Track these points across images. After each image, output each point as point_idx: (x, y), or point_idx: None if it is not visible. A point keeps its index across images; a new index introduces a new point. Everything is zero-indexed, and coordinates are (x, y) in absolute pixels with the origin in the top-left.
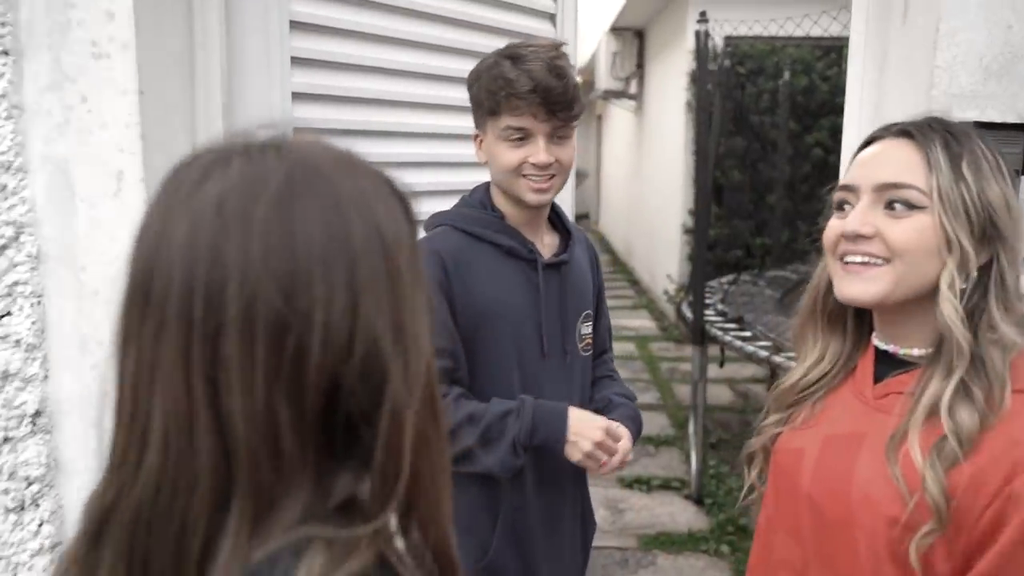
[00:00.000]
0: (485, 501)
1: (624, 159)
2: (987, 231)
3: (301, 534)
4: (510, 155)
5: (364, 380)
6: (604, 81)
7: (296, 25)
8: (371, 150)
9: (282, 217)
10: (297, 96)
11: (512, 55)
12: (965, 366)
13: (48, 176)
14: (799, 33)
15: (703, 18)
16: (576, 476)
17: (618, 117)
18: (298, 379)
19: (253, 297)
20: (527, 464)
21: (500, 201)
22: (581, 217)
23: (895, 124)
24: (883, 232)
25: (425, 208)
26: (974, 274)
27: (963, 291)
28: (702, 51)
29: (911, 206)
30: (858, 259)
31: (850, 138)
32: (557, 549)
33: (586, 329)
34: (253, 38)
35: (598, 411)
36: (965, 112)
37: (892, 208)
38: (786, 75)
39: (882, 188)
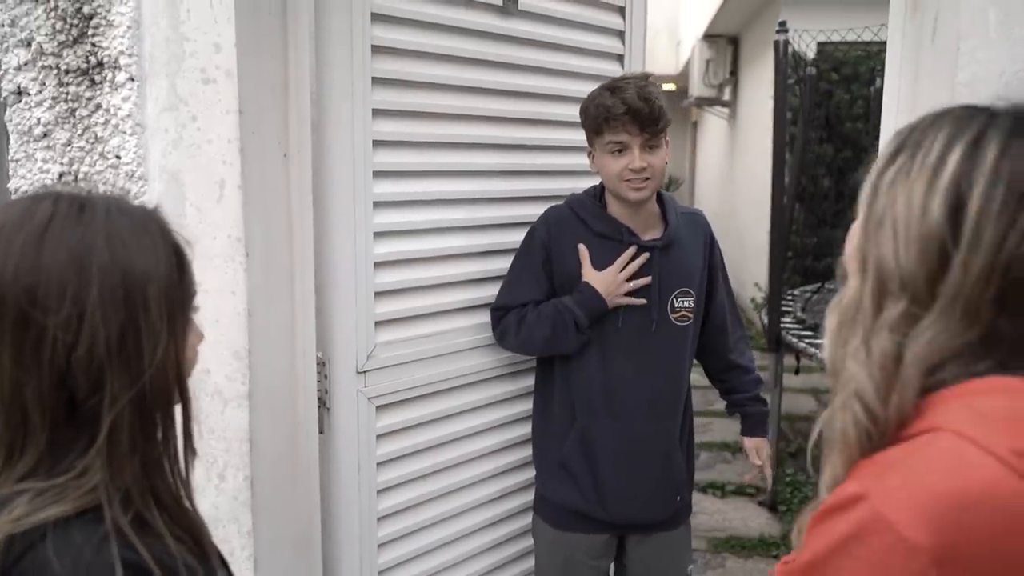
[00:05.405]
0: (562, 420)
1: (717, 166)
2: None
3: (15, 488)
4: (614, 164)
5: (86, 373)
6: (697, 88)
7: (377, 49)
8: (442, 160)
9: (33, 246)
10: (377, 112)
11: (611, 87)
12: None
13: (164, 184)
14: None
15: (782, 28)
16: (662, 432)
17: (712, 124)
18: (36, 362)
19: (2, 299)
20: (599, 396)
21: (609, 198)
22: None
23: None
24: None
25: (501, 213)
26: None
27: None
28: (780, 61)
29: None
30: None
31: None
32: (631, 477)
33: (681, 303)
34: (338, 63)
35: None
36: None
37: None
38: (878, 82)
39: None
